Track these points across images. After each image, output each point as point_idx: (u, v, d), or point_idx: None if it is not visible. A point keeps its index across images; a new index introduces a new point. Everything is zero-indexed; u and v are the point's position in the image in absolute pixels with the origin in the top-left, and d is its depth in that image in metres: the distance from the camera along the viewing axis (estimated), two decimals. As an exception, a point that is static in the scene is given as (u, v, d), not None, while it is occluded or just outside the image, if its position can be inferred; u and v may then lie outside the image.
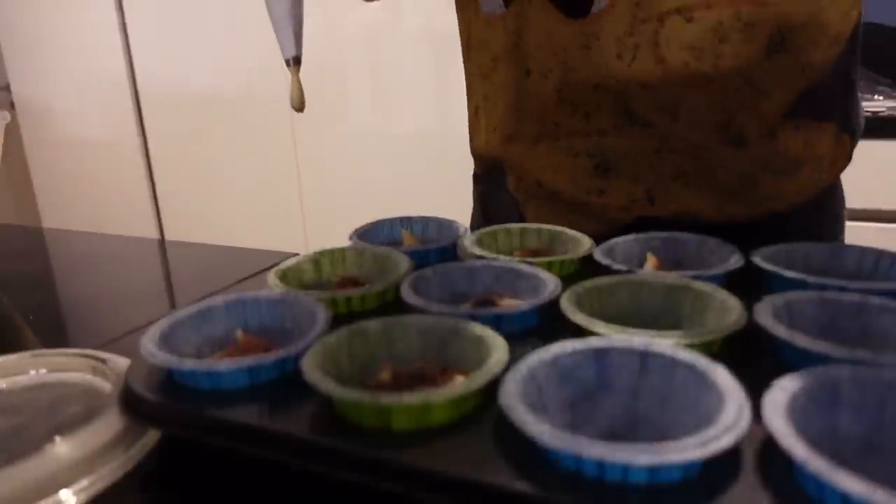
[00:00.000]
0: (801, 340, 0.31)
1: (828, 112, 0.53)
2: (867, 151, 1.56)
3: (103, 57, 1.98)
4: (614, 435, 0.29)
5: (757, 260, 0.42)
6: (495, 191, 0.66)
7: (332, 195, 1.77)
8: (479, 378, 0.29)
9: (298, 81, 0.50)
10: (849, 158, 0.56)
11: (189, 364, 0.32)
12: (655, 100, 0.51)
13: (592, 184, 0.56)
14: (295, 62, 0.48)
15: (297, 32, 0.49)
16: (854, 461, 0.26)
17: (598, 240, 0.49)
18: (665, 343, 0.30)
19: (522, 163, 0.59)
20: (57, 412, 0.37)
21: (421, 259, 0.48)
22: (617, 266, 0.43)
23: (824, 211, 0.57)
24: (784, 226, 0.55)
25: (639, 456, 0.23)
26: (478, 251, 0.48)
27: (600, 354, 0.30)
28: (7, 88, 2.16)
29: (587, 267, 0.46)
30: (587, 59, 0.52)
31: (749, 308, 0.35)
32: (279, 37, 0.48)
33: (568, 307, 0.36)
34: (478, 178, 0.71)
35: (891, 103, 1.52)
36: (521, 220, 0.62)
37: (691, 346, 0.32)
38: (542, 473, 0.25)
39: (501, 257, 0.46)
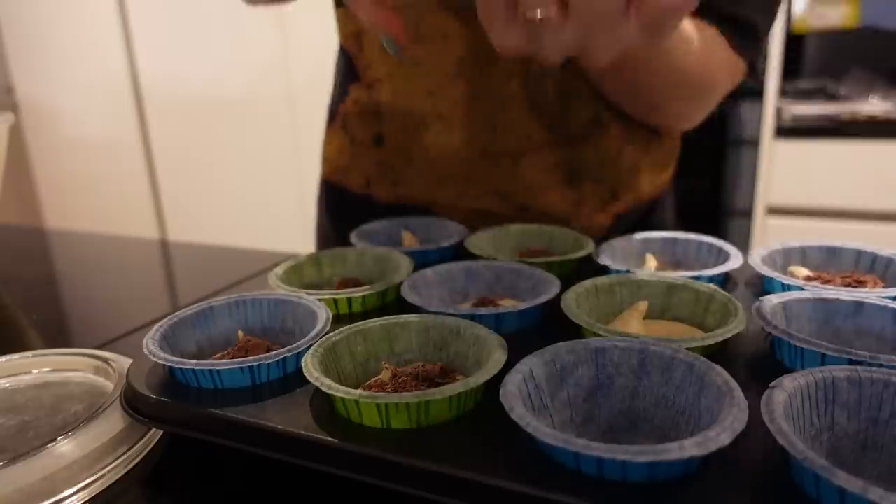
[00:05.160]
0: (799, 340, 0.31)
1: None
2: (865, 153, 1.56)
3: (106, 58, 1.99)
4: (614, 434, 0.30)
5: (755, 260, 0.43)
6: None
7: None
8: (479, 377, 0.29)
9: None
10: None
11: (190, 364, 0.32)
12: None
13: (567, 195, 0.60)
14: None
15: None
16: (851, 459, 0.26)
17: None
18: (664, 343, 0.30)
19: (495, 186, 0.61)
20: (59, 411, 0.37)
21: (421, 259, 0.48)
22: (617, 266, 0.44)
23: None
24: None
25: (638, 454, 0.23)
26: (478, 251, 0.48)
27: (600, 354, 0.30)
28: (11, 90, 2.17)
29: (587, 267, 0.46)
30: None
31: (747, 308, 0.35)
32: None
33: (568, 307, 0.36)
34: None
35: (887, 106, 1.52)
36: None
37: (690, 347, 0.32)
38: (541, 472, 0.25)
39: (501, 257, 0.46)
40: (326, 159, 0.71)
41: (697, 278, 0.40)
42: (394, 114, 0.62)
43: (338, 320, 0.38)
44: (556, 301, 0.38)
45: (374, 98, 0.62)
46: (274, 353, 0.33)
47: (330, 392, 0.28)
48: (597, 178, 0.60)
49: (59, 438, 0.32)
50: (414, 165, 0.62)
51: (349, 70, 0.65)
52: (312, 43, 1.71)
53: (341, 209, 0.69)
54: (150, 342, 0.34)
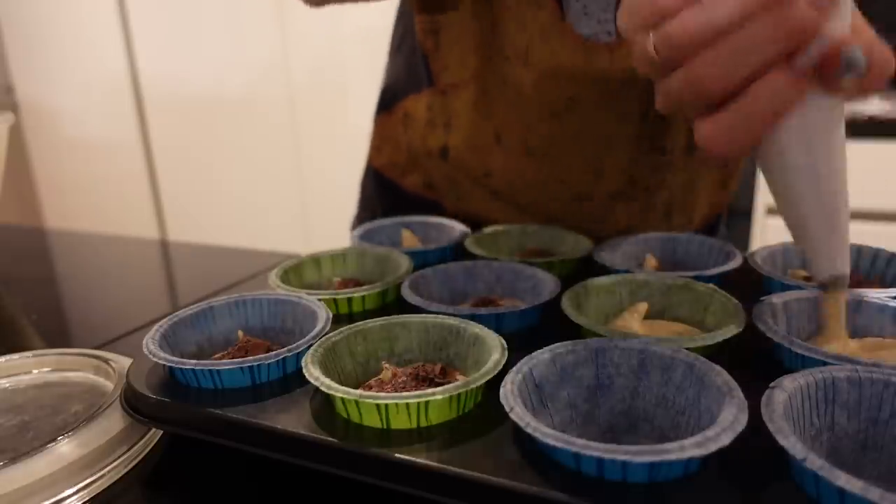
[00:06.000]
0: (799, 347, 0.31)
1: None
2: (866, 152, 1.56)
3: (106, 58, 1.98)
4: (614, 434, 0.30)
5: (755, 260, 0.43)
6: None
7: (333, 196, 1.77)
8: (479, 377, 0.29)
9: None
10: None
11: (190, 364, 0.32)
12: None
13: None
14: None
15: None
16: (851, 459, 0.26)
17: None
18: (664, 343, 0.30)
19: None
20: (60, 411, 0.37)
21: (421, 259, 0.48)
22: (617, 266, 0.44)
23: None
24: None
25: (638, 454, 0.23)
26: (478, 251, 0.48)
27: (600, 354, 0.30)
28: (11, 90, 2.17)
29: (587, 267, 0.46)
30: None
31: (747, 308, 0.35)
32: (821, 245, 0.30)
33: (568, 307, 0.36)
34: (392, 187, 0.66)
35: (888, 106, 1.52)
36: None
37: (690, 347, 0.32)
38: (541, 472, 0.25)
39: (501, 257, 0.46)
40: (379, 151, 0.66)
41: (697, 278, 0.40)
42: (466, 129, 0.57)
43: (338, 320, 0.38)
44: (556, 301, 0.38)
45: (448, 107, 0.57)
46: (274, 353, 0.33)
47: (330, 392, 0.28)
48: (681, 209, 0.59)
49: (59, 438, 0.32)
50: (482, 189, 0.59)
51: (422, 69, 0.59)
52: (312, 43, 1.71)
53: (396, 205, 0.64)
54: (150, 342, 0.34)
